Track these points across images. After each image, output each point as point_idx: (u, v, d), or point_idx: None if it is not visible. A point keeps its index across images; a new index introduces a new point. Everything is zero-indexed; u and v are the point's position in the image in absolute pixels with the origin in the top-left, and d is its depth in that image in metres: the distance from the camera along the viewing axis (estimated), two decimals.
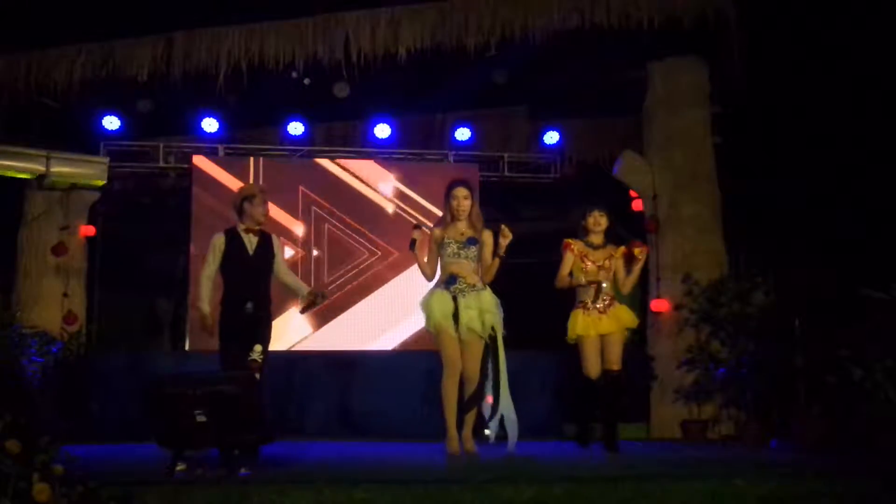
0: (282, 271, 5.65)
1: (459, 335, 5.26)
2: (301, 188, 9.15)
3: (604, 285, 5.80)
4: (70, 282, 8.72)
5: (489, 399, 5.35)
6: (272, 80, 8.13)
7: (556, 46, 7.80)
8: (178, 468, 4.19)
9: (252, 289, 5.43)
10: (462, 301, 5.26)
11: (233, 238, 5.49)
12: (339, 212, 9.17)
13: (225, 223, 6.04)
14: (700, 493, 3.41)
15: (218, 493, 3.35)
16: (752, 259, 7.65)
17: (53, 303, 8.58)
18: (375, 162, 9.41)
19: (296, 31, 7.98)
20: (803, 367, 6.54)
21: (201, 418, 4.15)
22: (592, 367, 5.72)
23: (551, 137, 9.53)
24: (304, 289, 5.76)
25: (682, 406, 7.67)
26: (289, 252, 8.71)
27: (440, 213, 5.70)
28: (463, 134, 9.47)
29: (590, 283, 5.77)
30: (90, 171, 8.43)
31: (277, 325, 6.01)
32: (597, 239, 5.88)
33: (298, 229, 9.10)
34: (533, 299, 6.82)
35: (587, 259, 5.82)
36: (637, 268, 5.84)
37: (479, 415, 5.39)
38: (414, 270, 5.87)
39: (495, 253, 5.30)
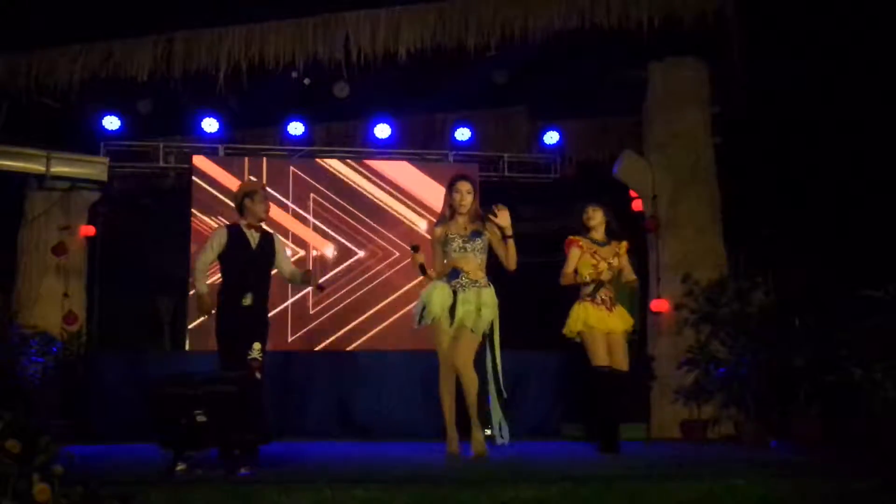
0: (284, 267, 5.64)
1: (453, 330, 5.23)
2: (301, 188, 9.16)
3: (606, 283, 5.79)
4: (70, 282, 8.73)
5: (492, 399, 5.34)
6: (272, 80, 8.14)
7: (557, 46, 7.81)
8: (178, 468, 4.19)
9: (252, 284, 5.41)
10: (461, 296, 5.22)
11: (235, 233, 5.46)
12: (338, 211, 9.18)
13: (225, 223, 6.03)
14: (700, 493, 3.41)
15: (218, 493, 3.35)
16: (752, 259, 7.65)
17: (53, 303, 8.59)
18: (375, 162, 9.41)
19: (296, 31, 7.97)
20: (803, 366, 6.54)
21: (201, 418, 4.15)
22: (603, 359, 5.64)
23: (551, 137, 9.53)
24: (298, 274, 5.72)
25: (682, 406, 7.66)
26: (289, 252, 8.70)
27: (440, 213, 5.68)
28: (463, 134, 9.47)
29: (594, 280, 5.76)
30: (90, 171, 8.44)
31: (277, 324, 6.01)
32: (599, 236, 5.88)
33: (298, 229, 9.10)
34: (533, 299, 6.84)
35: (597, 255, 5.79)
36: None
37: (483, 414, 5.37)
38: (414, 270, 5.86)
39: (504, 237, 5.28)
